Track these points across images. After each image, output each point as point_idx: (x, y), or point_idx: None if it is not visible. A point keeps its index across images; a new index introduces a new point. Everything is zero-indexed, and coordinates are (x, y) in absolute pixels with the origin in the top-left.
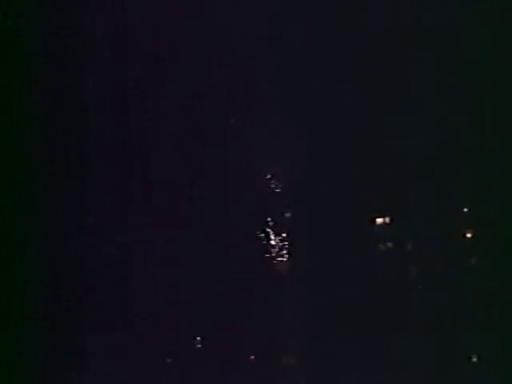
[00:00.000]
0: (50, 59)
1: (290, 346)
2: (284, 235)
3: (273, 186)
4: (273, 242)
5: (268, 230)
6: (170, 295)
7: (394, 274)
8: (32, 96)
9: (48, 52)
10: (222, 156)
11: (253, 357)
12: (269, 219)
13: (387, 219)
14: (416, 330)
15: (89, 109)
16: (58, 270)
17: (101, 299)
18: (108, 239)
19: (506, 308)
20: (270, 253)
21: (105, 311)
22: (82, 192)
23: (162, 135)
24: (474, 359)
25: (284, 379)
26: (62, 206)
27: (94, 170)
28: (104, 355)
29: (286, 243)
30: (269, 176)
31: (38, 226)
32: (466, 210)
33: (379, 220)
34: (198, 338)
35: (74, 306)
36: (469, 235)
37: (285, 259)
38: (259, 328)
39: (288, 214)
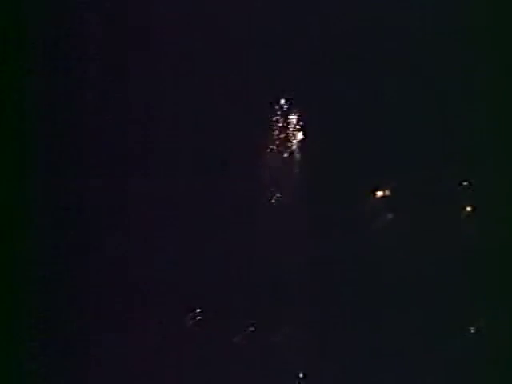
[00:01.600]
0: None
1: (289, 319)
2: (282, 205)
3: (271, 160)
4: (270, 216)
5: (265, 204)
6: (167, 269)
7: (392, 246)
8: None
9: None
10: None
11: (252, 328)
12: (269, 194)
13: (387, 192)
14: (413, 303)
15: (89, 106)
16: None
17: (97, 280)
18: (104, 213)
19: (504, 281)
20: (268, 226)
21: (102, 291)
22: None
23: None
24: (472, 331)
25: (283, 351)
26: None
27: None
28: (104, 334)
29: (285, 213)
30: (268, 150)
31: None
32: (465, 183)
33: (379, 193)
34: (198, 310)
35: (71, 287)
36: (468, 209)
37: (283, 232)
38: (258, 300)
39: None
